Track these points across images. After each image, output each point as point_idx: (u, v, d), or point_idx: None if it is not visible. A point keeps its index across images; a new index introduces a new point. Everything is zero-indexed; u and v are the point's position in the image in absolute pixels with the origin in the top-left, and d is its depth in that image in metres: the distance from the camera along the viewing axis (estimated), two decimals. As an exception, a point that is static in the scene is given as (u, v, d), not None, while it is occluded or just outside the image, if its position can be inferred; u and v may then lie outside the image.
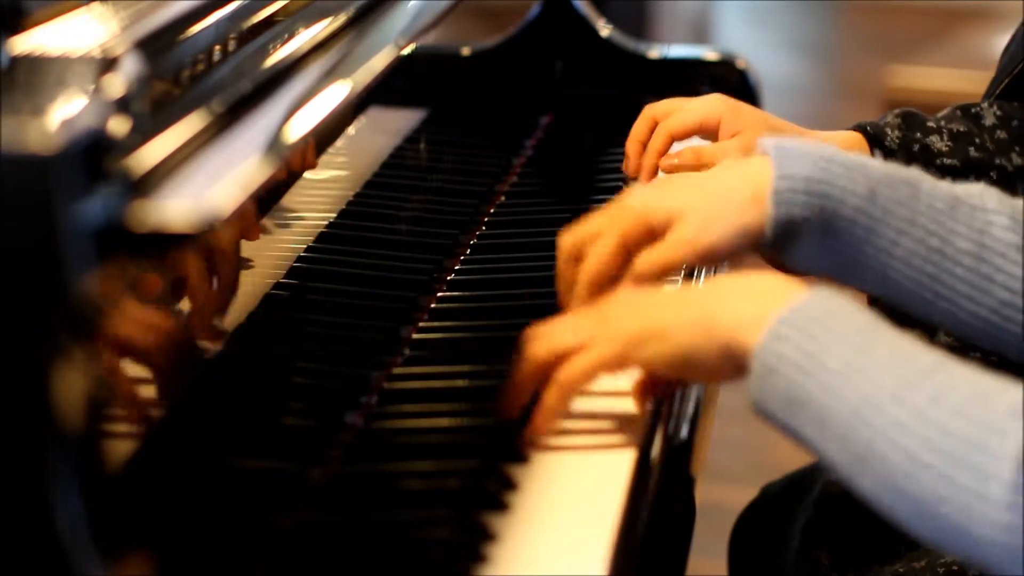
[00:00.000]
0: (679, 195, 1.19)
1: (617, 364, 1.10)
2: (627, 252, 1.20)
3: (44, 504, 0.83)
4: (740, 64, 2.02)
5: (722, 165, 1.24)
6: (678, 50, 2.05)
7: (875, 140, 1.55)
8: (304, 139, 1.12)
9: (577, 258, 1.22)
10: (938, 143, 1.54)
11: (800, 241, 1.17)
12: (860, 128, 1.56)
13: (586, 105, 2.00)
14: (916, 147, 1.54)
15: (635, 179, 1.58)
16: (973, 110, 1.57)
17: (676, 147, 1.55)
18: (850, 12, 6.42)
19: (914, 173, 1.17)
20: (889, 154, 1.55)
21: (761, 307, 1.03)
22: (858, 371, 0.97)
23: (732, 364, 1.05)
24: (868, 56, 5.55)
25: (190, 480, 1.10)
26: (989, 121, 1.56)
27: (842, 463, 0.98)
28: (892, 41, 5.60)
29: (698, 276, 1.47)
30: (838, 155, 1.17)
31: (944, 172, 1.55)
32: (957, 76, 4.04)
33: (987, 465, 0.92)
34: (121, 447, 1.02)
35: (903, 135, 1.54)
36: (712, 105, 1.53)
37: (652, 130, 1.57)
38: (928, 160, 1.54)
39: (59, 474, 0.83)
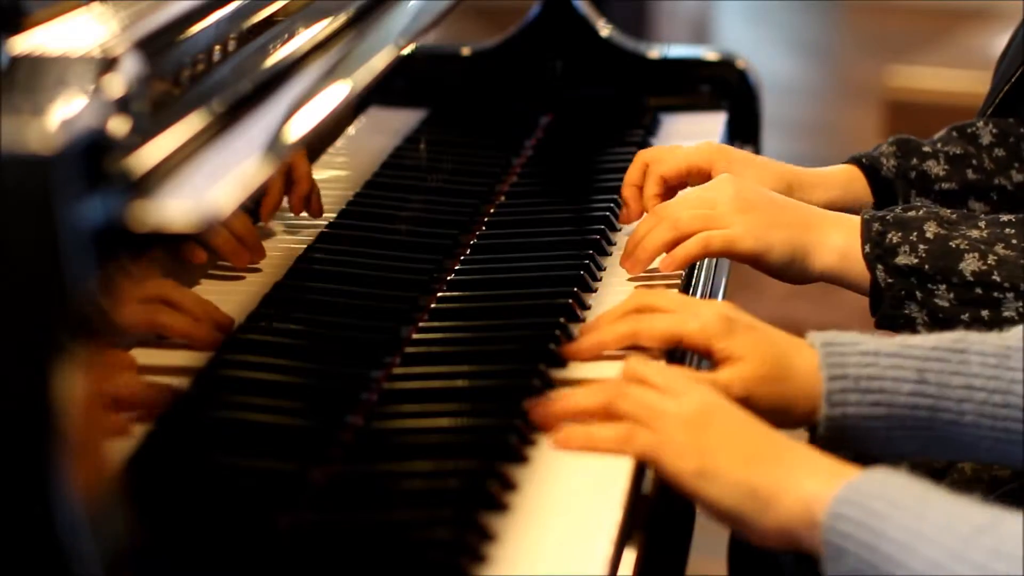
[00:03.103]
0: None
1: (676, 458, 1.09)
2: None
3: (44, 504, 0.83)
4: (740, 64, 2.02)
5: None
6: (678, 50, 2.05)
7: (871, 171, 1.54)
8: (304, 139, 1.12)
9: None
10: (935, 168, 1.53)
11: (862, 436, 1.16)
12: (855, 160, 1.55)
13: (586, 105, 2.00)
14: (913, 174, 1.53)
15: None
16: (969, 130, 1.57)
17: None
18: (850, 12, 6.41)
19: (959, 335, 1.16)
20: (886, 183, 1.54)
21: (821, 486, 1.04)
22: (919, 537, 0.99)
23: (785, 539, 1.05)
24: (868, 56, 5.54)
25: (190, 480, 1.10)
26: (986, 140, 1.55)
27: None
28: (892, 41, 5.60)
29: (696, 274, 1.47)
30: (882, 345, 1.16)
31: (943, 196, 1.54)
32: (957, 76, 4.04)
33: None
34: (121, 447, 1.02)
35: (899, 163, 1.54)
36: (702, 151, 1.53)
37: (645, 174, 1.56)
38: (926, 186, 1.54)
39: (59, 474, 0.83)
